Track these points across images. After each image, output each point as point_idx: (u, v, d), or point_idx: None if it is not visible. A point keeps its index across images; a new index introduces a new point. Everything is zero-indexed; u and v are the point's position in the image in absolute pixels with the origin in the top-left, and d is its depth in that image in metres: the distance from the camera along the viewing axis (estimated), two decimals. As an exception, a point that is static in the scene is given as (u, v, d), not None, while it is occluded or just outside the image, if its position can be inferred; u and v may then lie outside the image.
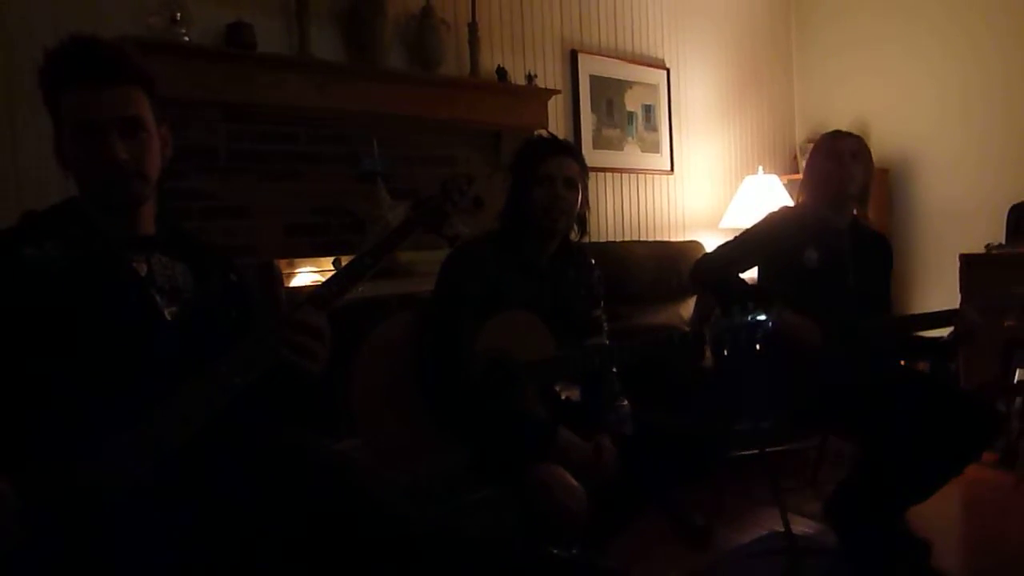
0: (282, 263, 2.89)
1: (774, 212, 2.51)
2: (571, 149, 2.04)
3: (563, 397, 2.04)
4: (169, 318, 1.27)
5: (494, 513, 1.72)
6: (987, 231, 3.97)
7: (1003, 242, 3.87)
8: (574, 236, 2.06)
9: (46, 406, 1.16)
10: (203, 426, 1.17)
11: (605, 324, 2.10)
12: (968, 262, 3.75)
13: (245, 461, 1.23)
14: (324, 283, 1.35)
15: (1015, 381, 3.33)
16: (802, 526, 2.59)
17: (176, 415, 1.16)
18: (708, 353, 2.00)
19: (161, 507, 1.13)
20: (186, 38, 2.60)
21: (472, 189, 1.65)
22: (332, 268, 3.00)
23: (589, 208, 2.06)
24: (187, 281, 1.32)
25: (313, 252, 2.95)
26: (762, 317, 1.77)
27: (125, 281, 1.26)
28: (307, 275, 3.04)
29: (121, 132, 1.23)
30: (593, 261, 2.13)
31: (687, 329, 3.19)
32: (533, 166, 1.94)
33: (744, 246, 2.42)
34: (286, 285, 2.90)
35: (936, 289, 4.26)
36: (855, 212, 2.47)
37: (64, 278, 1.20)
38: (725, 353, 1.79)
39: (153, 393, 1.15)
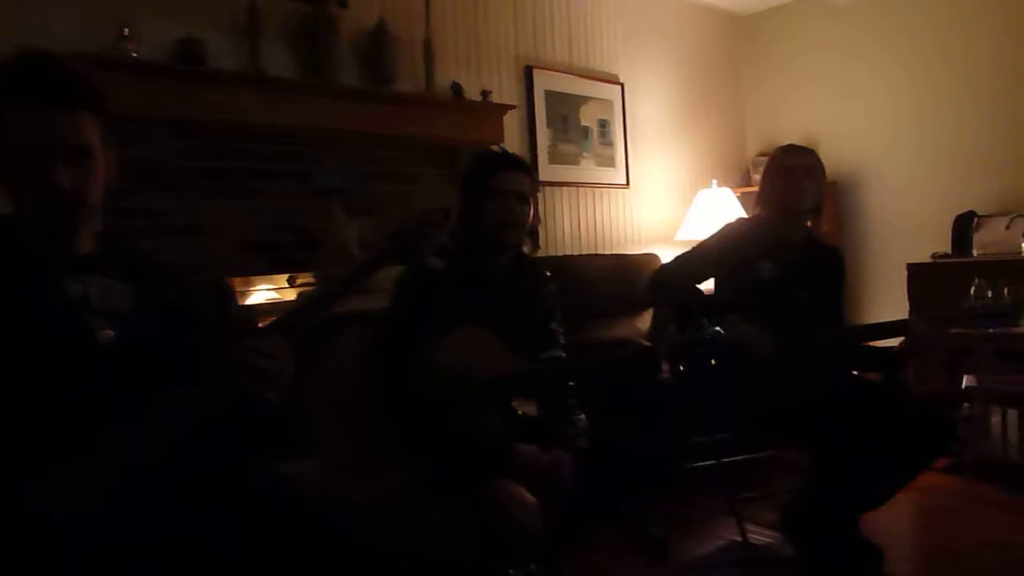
0: (237, 281, 2.85)
1: (730, 224, 2.54)
2: (521, 163, 2.06)
3: (520, 412, 2.03)
4: (103, 341, 1.24)
5: (450, 530, 1.70)
6: (933, 241, 4.07)
7: (948, 251, 3.98)
8: (528, 250, 2.07)
9: None
10: (160, 451, 1.14)
11: (562, 337, 2.10)
12: (915, 271, 3.85)
13: (194, 486, 1.20)
14: (289, 311, 1.34)
15: (962, 388, 3.41)
16: (759, 536, 2.61)
17: (133, 440, 1.14)
18: (665, 367, 2.01)
19: (110, 532, 1.10)
20: (134, 54, 2.57)
21: (448, 223, 1.63)
22: (288, 285, 2.99)
23: (540, 221, 2.08)
24: (124, 301, 1.28)
25: (267, 269, 2.92)
26: (716, 332, 1.79)
27: (57, 304, 1.22)
28: (263, 293, 3.00)
29: (66, 160, 1.20)
30: (549, 273, 2.14)
31: (644, 342, 3.22)
32: (484, 181, 1.96)
33: (699, 258, 2.45)
34: (242, 303, 2.86)
35: (885, 298, 4.36)
36: (809, 225, 2.52)
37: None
38: (680, 368, 1.81)
39: (91, 415, 1.13)
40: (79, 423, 1.12)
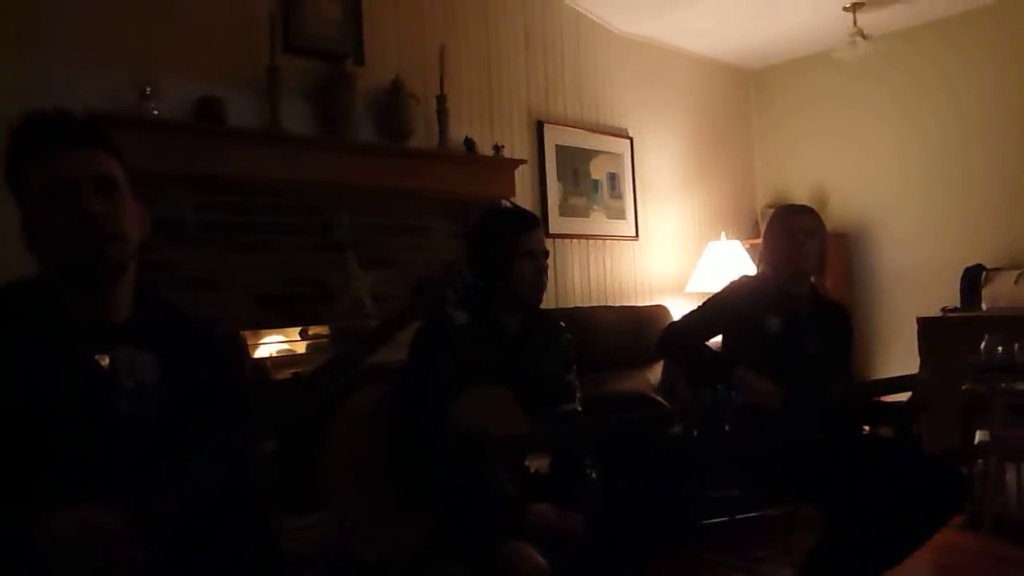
0: (249, 334, 2.87)
1: (735, 281, 2.57)
2: (539, 221, 2.10)
3: (532, 471, 2.03)
4: (128, 420, 1.20)
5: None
6: (943, 294, 4.09)
7: (958, 304, 3.98)
8: None
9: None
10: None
11: (578, 390, 2.11)
12: (925, 325, 3.85)
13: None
14: (314, 371, 1.32)
15: (976, 444, 3.38)
16: (774, 595, 2.58)
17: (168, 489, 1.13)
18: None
19: None
20: (155, 112, 2.63)
21: (470, 277, 1.65)
22: (300, 338, 3.02)
23: None
24: (151, 376, 1.24)
25: (282, 323, 2.95)
26: (730, 396, 1.80)
27: (87, 381, 1.19)
28: (273, 345, 3.02)
29: (96, 188, 1.18)
30: (563, 324, 2.16)
31: (656, 397, 3.21)
32: (515, 240, 1.98)
33: (708, 315, 2.47)
34: (254, 355, 2.88)
35: (896, 351, 4.35)
36: (812, 280, 2.54)
37: (24, 378, 1.14)
38: (695, 433, 1.82)
39: (105, 493, 1.09)
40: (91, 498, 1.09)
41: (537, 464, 2.03)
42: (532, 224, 2.04)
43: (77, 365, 1.20)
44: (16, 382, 1.13)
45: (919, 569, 2.75)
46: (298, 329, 3.04)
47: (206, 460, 1.16)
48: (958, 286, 4.03)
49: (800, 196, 4.68)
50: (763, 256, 2.55)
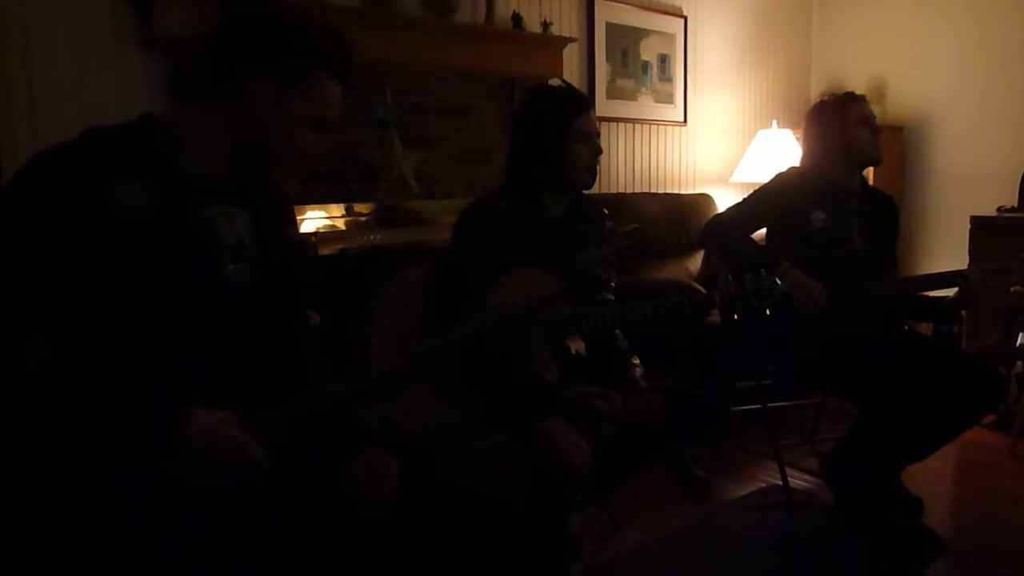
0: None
1: (783, 173, 2.51)
2: (591, 102, 2.05)
3: (572, 351, 2.07)
4: (232, 277, 1.21)
5: (502, 464, 1.77)
6: (999, 194, 3.96)
7: (1015, 205, 3.86)
8: None
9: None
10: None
11: (614, 280, 2.13)
12: (978, 224, 3.75)
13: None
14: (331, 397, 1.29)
15: (1016, 345, 3.36)
16: (800, 480, 2.66)
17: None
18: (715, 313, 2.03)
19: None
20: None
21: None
22: (345, 214, 3.04)
23: None
24: (248, 234, 1.25)
25: (327, 200, 2.97)
26: (774, 282, 1.80)
27: (196, 235, 1.19)
28: (317, 221, 3.06)
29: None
30: (606, 211, 2.14)
31: (696, 286, 3.22)
32: (570, 122, 1.93)
33: (754, 207, 2.43)
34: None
35: (945, 250, 4.26)
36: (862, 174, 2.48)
37: (151, 231, 1.12)
38: (735, 317, 1.82)
39: (218, 352, 1.15)
40: (208, 361, 1.14)
41: (577, 345, 2.07)
42: (587, 105, 1.98)
43: (195, 221, 1.19)
44: (146, 239, 1.11)
45: (943, 463, 2.81)
46: (341, 205, 3.06)
47: (322, 400, 1.22)
48: (1016, 186, 3.89)
49: (856, 86, 4.44)
50: (814, 147, 2.47)
